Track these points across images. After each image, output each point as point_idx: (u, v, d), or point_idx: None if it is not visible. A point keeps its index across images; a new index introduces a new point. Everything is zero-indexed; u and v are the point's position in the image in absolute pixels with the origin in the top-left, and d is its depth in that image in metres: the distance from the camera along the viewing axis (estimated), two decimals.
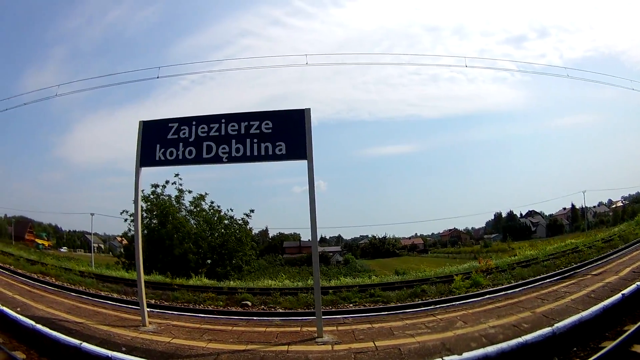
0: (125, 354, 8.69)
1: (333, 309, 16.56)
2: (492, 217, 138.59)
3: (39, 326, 10.05)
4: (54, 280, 22.90)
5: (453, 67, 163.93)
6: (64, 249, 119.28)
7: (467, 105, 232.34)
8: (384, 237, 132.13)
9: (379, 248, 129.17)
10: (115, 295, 20.03)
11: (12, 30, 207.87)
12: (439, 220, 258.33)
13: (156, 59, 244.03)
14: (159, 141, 11.60)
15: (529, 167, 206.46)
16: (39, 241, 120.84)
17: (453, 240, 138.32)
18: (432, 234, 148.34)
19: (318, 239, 11.16)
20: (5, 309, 11.47)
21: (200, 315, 14.43)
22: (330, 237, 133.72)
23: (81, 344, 8.99)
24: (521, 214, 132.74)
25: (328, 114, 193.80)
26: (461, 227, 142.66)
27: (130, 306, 14.99)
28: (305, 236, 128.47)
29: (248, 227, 47.89)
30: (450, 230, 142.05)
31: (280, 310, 17.17)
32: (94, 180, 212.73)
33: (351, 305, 17.90)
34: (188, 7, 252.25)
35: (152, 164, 11.88)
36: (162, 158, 11.50)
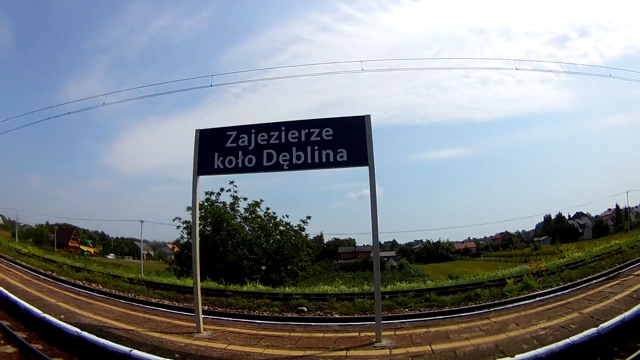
0: None
1: (390, 314, 16.52)
2: (542, 220, 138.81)
3: (84, 333, 10.08)
4: (100, 288, 23.18)
5: (501, 70, 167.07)
6: (111, 256, 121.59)
7: (516, 107, 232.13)
8: (438, 242, 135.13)
9: (432, 252, 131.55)
10: (166, 302, 20.20)
11: (53, 40, 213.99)
12: (492, 223, 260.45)
13: (205, 67, 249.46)
14: (218, 150, 11.84)
15: (575, 168, 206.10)
16: (84, 248, 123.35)
17: (504, 244, 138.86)
18: (485, 237, 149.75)
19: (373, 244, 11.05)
20: (47, 315, 11.58)
21: (256, 321, 14.46)
22: (385, 242, 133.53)
23: (131, 351, 9.00)
24: (569, 216, 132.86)
25: (382, 119, 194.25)
26: (512, 230, 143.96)
27: (183, 313, 15.15)
28: (360, 241, 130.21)
29: (304, 233, 48.03)
30: (502, 233, 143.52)
31: (337, 316, 17.34)
32: (142, 188, 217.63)
33: (407, 310, 18.07)
34: (236, 15, 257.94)
35: (211, 172, 12.14)
36: (221, 166, 11.76)
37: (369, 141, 10.82)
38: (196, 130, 12.19)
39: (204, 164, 11.96)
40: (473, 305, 16.82)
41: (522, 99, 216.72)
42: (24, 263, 30.38)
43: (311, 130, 11.27)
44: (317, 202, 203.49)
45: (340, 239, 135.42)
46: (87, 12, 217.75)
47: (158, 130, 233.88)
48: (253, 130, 11.68)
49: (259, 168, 11.51)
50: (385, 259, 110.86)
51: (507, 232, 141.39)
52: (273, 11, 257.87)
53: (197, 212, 12.68)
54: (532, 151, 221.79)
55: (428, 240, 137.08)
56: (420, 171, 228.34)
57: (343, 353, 9.29)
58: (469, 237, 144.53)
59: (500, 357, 7.86)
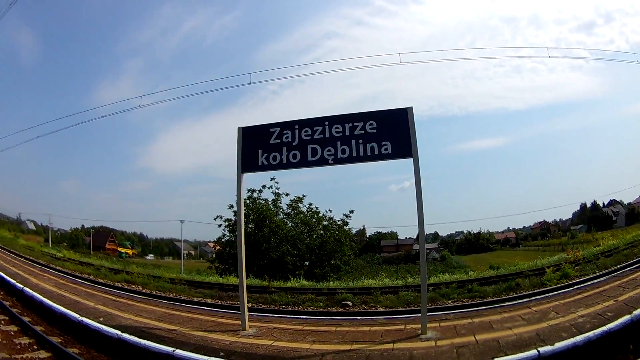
0: (223, 358, 8.69)
1: (434, 306, 16.58)
2: (579, 208, 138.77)
3: (125, 335, 10.13)
4: (140, 289, 23.45)
5: (534, 58, 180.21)
6: (150, 257, 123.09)
7: (549, 95, 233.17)
8: (478, 233, 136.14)
9: (473, 243, 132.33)
10: (209, 301, 20.51)
11: (83, 46, 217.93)
12: (530, 212, 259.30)
13: (240, 66, 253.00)
14: (261, 146, 12.05)
15: (608, 155, 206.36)
16: (122, 250, 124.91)
17: (543, 233, 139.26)
18: (524, 227, 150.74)
19: (415, 236, 11.18)
20: (84, 319, 11.66)
21: (302, 316, 14.77)
22: (427, 234, 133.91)
23: (174, 351, 9.04)
24: (603, 204, 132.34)
25: (420, 110, 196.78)
26: (550, 219, 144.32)
27: (227, 311, 15.31)
28: (402, 234, 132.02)
29: (347, 227, 48.29)
30: (540, 222, 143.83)
31: (381, 309, 17.56)
32: (181, 188, 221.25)
33: (450, 301, 18.70)
34: (267, 13, 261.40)
35: (255, 169, 12.32)
36: (266, 163, 11.95)
37: (412, 133, 10.96)
38: (239, 128, 12.43)
39: (248, 162, 12.16)
40: (514, 295, 17.38)
41: (554, 86, 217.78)
42: (58, 267, 30.72)
43: (355, 124, 11.41)
44: (358, 196, 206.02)
45: (383, 232, 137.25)
46: (115, 16, 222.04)
47: (195, 130, 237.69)
48: (297, 126, 11.86)
49: (303, 163, 11.69)
50: (428, 251, 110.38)
51: (545, 222, 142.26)
52: (305, 7, 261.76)
53: (243, 209, 12.88)
54: (566, 139, 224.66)
55: (469, 232, 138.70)
56: (459, 162, 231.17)
57: (390, 346, 9.42)
58: (509, 227, 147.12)
59: (542, 346, 7.98)
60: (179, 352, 8.99)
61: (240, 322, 11.88)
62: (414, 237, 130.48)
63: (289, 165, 11.78)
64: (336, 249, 44.91)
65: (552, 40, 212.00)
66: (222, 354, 9.08)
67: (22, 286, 16.10)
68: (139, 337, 10.01)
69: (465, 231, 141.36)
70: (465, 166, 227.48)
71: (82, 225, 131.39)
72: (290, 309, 18.69)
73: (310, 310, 18.11)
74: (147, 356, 9.29)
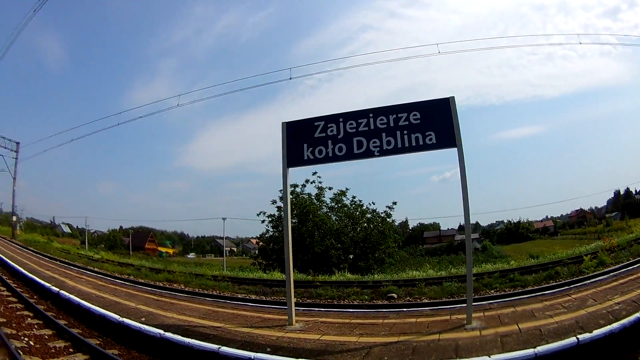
0: (270, 354, 8.65)
1: (477, 296, 16.85)
2: (612, 195, 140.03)
3: (168, 334, 10.18)
4: (183, 287, 23.77)
5: (564, 45, 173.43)
6: (191, 255, 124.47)
7: (581, 81, 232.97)
8: (518, 222, 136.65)
9: (514, 233, 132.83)
10: (253, 297, 20.92)
11: (114, 48, 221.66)
12: (568, 201, 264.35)
13: (276, 62, 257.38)
14: (307, 140, 12.24)
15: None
16: (162, 249, 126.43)
17: (579, 221, 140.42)
18: (561, 215, 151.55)
19: (457, 227, 11.26)
20: (125, 319, 11.73)
21: (349, 310, 14.84)
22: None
23: (219, 348, 9.03)
24: (636, 191, 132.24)
25: (458, 100, 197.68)
26: (586, 207, 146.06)
27: (272, 306, 15.50)
28: (445, 225, 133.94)
29: (390, 219, 48.62)
30: (576, 210, 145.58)
31: (426, 301, 17.93)
32: (222, 186, 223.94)
33: (492, 291, 19.48)
34: (301, 9, 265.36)
35: (301, 163, 12.50)
36: (311, 157, 12.12)
37: (455, 122, 11.05)
38: (283, 123, 12.63)
39: (294, 156, 12.36)
40: (554, 284, 18.11)
41: (585, 73, 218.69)
42: (96, 269, 31.10)
43: (399, 115, 11.51)
44: (400, 188, 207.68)
45: (425, 223, 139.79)
46: (145, 18, 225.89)
47: (234, 127, 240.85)
48: (341, 119, 12.01)
49: (349, 156, 11.81)
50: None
51: (581, 210, 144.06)
52: (338, 1, 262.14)
53: (289, 203, 12.96)
54: (598, 126, 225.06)
55: (509, 221, 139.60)
56: (498, 151, 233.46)
57: (436, 336, 9.57)
58: (547, 216, 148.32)
59: (581, 334, 8.12)
60: (225, 349, 9.00)
61: (286, 317, 12.01)
62: (456, 227, 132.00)
63: (335, 158, 11.89)
64: (380, 241, 45.37)
65: (581, 27, 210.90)
66: (268, 349, 9.08)
67: (57, 289, 16.23)
68: (183, 335, 10.07)
69: (505, 221, 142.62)
70: (504, 155, 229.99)
71: (120, 226, 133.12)
72: (335, 302, 18.98)
73: (356, 303, 18.34)
74: (191, 354, 9.33)
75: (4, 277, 19.74)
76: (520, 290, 17.86)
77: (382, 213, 47.73)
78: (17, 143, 63.71)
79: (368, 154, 11.56)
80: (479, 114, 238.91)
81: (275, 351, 8.95)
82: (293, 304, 11.96)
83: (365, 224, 47.19)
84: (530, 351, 7.52)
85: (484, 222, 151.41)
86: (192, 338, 9.81)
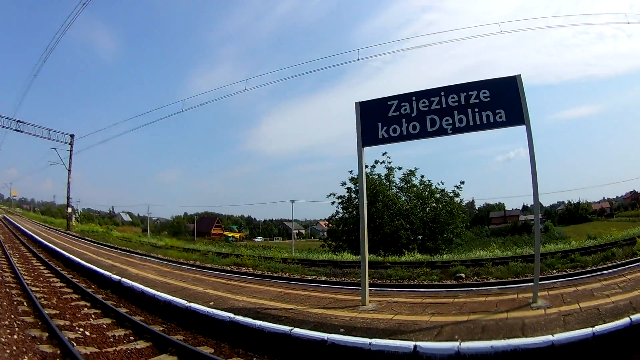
0: (343, 335, 8.65)
1: (541, 276, 16.85)
2: None
3: (238, 317, 10.26)
4: (251, 270, 24.20)
5: (613, 24, 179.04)
6: (259, 239, 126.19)
7: (632, 62, 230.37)
8: (577, 203, 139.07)
9: (573, 214, 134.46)
10: (324, 278, 21.19)
11: (172, 38, 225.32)
12: (622, 182, 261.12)
13: (339, 45, 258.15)
14: (381, 120, 12.44)
15: None
16: (229, 234, 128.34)
17: (632, 203, 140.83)
18: (617, 197, 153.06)
19: (520, 207, 11.38)
20: (192, 304, 11.90)
21: (420, 290, 15.11)
22: (531, 205, 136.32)
23: (291, 330, 9.08)
24: None
25: None
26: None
27: (344, 287, 15.84)
28: (509, 205, 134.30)
29: (458, 199, 48.83)
30: (630, 192, 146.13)
31: (493, 280, 18.66)
32: (289, 169, 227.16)
33: (555, 271, 20.65)
34: None
35: (375, 142, 12.72)
36: (386, 136, 12.31)
37: (523, 100, 11.21)
38: (356, 103, 12.85)
39: (368, 135, 12.58)
40: (610, 264, 19.22)
41: (635, 53, 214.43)
42: (160, 255, 31.69)
43: (469, 93, 11.64)
44: (465, 168, 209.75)
45: (491, 203, 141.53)
46: (203, 7, 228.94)
47: (300, 110, 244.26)
48: (414, 98, 12.15)
49: (423, 134, 11.92)
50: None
51: (634, 192, 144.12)
52: None
53: (365, 183, 13.17)
54: None
55: (569, 202, 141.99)
56: (558, 131, 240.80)
57: (504, 315, 9.86)
58: (604, 197, 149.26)
59: (633, 314, 8.22)
60: (297, 330, 9.04)
61: (359, 298, 12.23)
62: (520, 208, 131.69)
63: (409, 136, 12.03)
64: (448, 221, 45.73)
65: (628, 6, 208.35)
66: (342, 330, 9.13)
67: (118, 277, 16.60)
68: (254, 318, 10.15)
69: (565, 201, 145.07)
70: (562, 135, 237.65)
71: (185, 213, 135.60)
72: (405, 283, 19.56)
73: (425, 283, 18.92)
74: (262, 337, 9.41)
75: (58, 268, 20.26)
76: (580, 271, 18.79)
77: (450, 193, 48.01)
78: (72, 136, 65.08)
79: (441, 132, 11.70)
80: (539, 94, 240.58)
81: (349, 332, 9.00)
82: (367, 284, 12.13)
83: (434, 204, 47.50)
84: (588, 330, 7.71)
85: (545, 203, 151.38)
86: (263, 321, 9.86)
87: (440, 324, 9.47)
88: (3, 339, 8.93)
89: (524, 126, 11.10)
